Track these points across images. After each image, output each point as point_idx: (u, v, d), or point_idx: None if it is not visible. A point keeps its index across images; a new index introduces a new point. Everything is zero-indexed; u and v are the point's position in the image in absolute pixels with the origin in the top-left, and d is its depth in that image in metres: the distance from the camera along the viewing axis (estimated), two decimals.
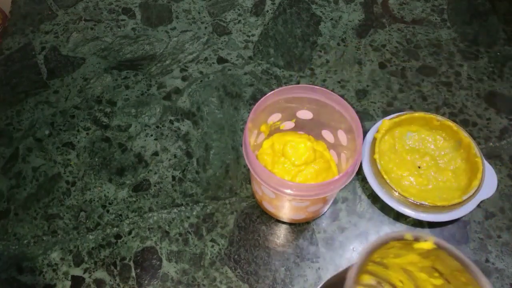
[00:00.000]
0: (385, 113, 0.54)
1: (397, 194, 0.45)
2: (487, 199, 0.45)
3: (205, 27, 0.62)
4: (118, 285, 0.44)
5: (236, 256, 0.46)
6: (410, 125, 0.50)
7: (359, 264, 0.26)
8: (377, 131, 0.49)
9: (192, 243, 0.46)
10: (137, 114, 0.55)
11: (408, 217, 0.47)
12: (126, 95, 0.57)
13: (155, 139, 0.53)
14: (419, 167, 0.48)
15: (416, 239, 0.28)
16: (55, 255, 0.46)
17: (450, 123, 0.48)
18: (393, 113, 0.52)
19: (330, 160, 0.47)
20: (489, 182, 0.46)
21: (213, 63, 0.59)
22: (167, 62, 0.59)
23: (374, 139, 0.48)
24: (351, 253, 0.46)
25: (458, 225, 0.47)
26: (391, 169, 0.48)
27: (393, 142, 0.50)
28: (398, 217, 0.47)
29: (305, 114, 0.45)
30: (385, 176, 0.45)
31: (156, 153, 0.52)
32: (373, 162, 0.47)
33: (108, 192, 0.50)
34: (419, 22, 0.63)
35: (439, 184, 0.47)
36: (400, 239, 0.27)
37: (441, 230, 0.47)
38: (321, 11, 0.64)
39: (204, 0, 0.65)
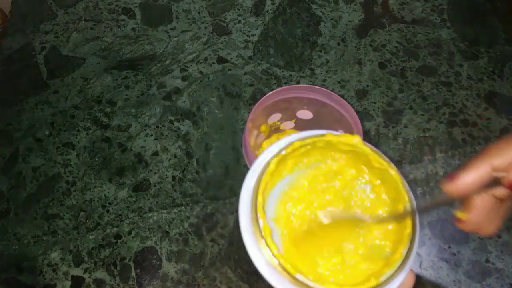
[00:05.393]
0: (385, 113, 0.54)
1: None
2: None
3: (205, 27, 0.62)
4: (118, 285, 0.44)
5: (236, 256, 0.46)
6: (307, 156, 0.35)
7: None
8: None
9: (192, 243, 0.46)
10: (137, 114, 0.55)
11: None
12: (126, 95, 0.57)
13: (155, 139, 0.53)
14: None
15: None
16: (55, 255, 0.46)
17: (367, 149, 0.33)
18: (393, 113, 0.51)
19: None
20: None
21: (213, 63, 0.59)
22: (167, 62, 0.59)
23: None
24: None
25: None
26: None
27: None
28: None
29: (305, 114, 0.45)
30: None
31: (156, 153, 0.52)
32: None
33: (108, 192, 0.50)
34: (419, 22, 0.63)
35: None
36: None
37: (441, 229, 0.47)
38: (321, 11, 0.64)
39: (204, 0, 0.65)
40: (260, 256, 0.29)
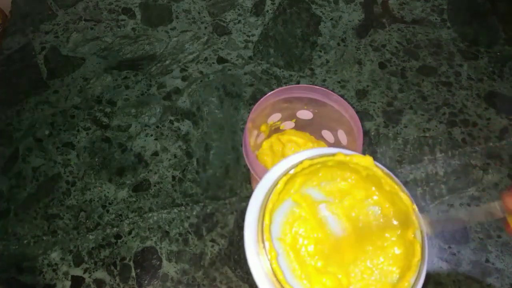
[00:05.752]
0: (385, 113, 0.54)
1: None
2: (487, 198, 0.45)
3: (205, 27, 0.62)
4: (118, 285, 0.44)
5: (236, 256, 0.46)
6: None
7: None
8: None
9: (192, 243, 0.46)
10: (137, 114, 0.55)
11: None
12: (126, 95, 0.57)
13: (155, 139, 0.53)
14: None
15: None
16: (55, 255, 0.46)
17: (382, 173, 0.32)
18: (393, 113, 0.51)
19: None
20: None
21: (213, 63, 0.59)
22: (167, 62, 0.59)
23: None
24: None
25: (458, 225, 0.47)
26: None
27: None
28: None
29: (305, 114, 0.45)
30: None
31: (156, 153, 0.52)
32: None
33: (108, 192, 0.50)
34: (419, 22, 0.63)
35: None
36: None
37: (441, 229, 0.47)
38: (321, 11, 0.64)
39: (204, 0, 0.65)
40: (264, 278, 0.29)
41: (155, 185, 0.50)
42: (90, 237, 0.47)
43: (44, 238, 0.47)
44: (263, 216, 0.30)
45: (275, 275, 0.28)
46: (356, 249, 0.32)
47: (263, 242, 0.29)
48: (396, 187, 0.32)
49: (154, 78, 0.58)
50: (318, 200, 0.33)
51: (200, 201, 0.49)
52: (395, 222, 0.32)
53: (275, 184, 0.31)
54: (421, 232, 0.30)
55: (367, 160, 0.32)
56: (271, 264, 0.28)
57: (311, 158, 0.32)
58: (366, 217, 0.33)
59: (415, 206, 0.31)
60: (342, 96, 0.53)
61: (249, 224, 0.30)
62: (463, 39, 0.61)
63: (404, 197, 0.31)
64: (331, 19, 0.63)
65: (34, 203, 0.49)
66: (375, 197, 0.33)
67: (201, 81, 0.58)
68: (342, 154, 0.32)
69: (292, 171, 0.31)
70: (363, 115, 0.54)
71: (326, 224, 0.33)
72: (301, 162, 0.32)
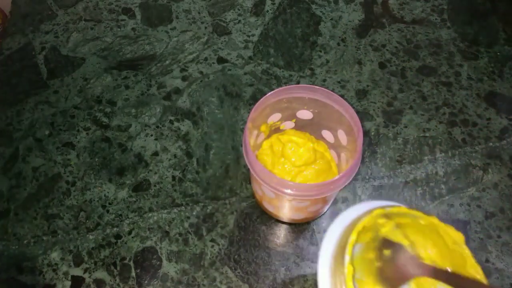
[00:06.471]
0: (385, 113, 0.54)
1: None
2: (487, 198, 0.45)
3: (205, 27, 0.62)
4: (118, 285, 0.44)
5: (236, 256, 0.46)
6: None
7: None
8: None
9: (192, 243, 0.46)
10: (137, 114, 0.55)
11: None
12: (126, 95, 0.57)
13: (155, 139, 0.53)
14: None
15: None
16: (55, 255, 0.46)
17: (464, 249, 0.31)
18: (393, 113, 0.51)
19: (331, 160, 0.47)
20: None
21: (213, 63, 0.59)
22: (167, 62, 0.59)
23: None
24: None
25: (458, 225, 0.47)
26: None
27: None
28: None
29: (305, 114, 0.45)
30: None
31: (156, 153, 0.52)
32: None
33: (108, 192, 0.50)
34: (419, 22, 0.63)
35: None
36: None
37: None
38: (321, 11, 0.64)
39: (204, 0, 0.65)
40: None
41: (155, 185, 0.50)
42: (90, 237, 0.47)
43: (44, 238, 0.47)
44: (351, 231, 0.30)
45: None
46: None
47: (342, 255, 0.28)
48: (480, 272, 0.30)
49: (154, 78, 0.58)
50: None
51: (200, 201, 0.49)
52: None
53: (370, 212, 0.31)
54: None
55: (460, 236, 0.31)
56: (345, 280, 0.27)
57: (409, 208, 0.32)
58: None
59: None
60: (342, 96, 0.53)
61: (330, 238, 0.30)
62: (463, 39, 0.61)
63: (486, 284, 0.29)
64: (331, 19, 0.63)
65: (34, 203, 0.49)
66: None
67: (201, 81, 0.58)
68: (437, 219, 0.32)
69: (388, 209, 0.31)
70: (363, 115, 0.54)
71: None
72: (399, 206, 0.32)
